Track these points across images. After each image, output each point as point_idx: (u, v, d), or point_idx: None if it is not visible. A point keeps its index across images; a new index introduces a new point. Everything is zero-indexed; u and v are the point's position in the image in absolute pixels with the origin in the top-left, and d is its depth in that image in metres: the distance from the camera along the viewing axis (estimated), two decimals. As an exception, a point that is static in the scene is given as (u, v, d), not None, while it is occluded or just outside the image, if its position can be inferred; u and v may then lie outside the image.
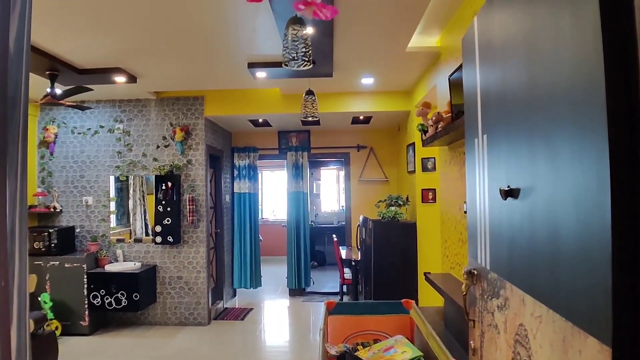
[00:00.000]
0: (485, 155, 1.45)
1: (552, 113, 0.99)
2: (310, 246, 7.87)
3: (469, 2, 3.24)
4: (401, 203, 5.71)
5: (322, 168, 10.96)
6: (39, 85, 4.75)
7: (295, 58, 2.27)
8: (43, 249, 5.50)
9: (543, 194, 1.04)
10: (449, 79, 3.45)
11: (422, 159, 5.37)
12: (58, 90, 4.52)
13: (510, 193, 1.22)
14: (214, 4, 3.16)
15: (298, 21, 2.29)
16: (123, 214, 6.10)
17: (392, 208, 5.60)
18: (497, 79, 1.38)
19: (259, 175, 9.30)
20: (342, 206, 10.01)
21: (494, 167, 1.39)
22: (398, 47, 4.13)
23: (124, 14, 3.29)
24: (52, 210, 5.94)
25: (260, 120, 6.52)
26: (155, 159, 5.96)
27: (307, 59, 2.30)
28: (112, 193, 6.04)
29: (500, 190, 1.26)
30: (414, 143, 5.53)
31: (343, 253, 6.69)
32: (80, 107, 4.85)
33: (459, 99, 3.01)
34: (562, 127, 0.94)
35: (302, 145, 7.41)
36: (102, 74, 4.64)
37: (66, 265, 5.52)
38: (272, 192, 11.50)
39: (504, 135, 1.30)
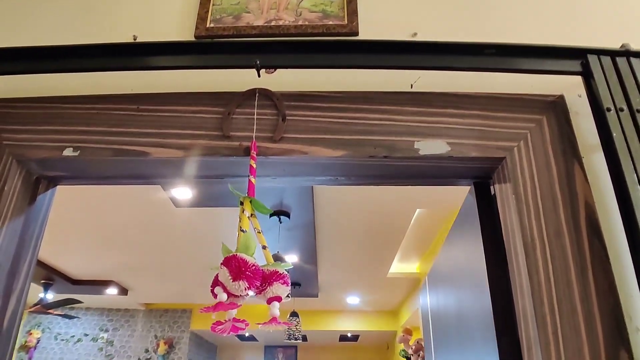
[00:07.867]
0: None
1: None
2: None
3: (442, 236, 3.57)
4: None
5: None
6: (31, 291, 4.84)
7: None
8: None
9: None
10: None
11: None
12: (50, 296, 4.62)
13: None
14: (209, 224, 3.49)
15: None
16: None
17: None
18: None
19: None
20: None
21: None
22: (379, 273, 4.36)
23: (121, 236, 3.60)
24: None
25: (247, 334, 6.44)
26: (133, 373, 5.72)
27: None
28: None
29: None
30: (402, 366, 5.35)
31: None
32: (68, 316, 4.89)
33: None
34: None
35: (289, 361, 7.15)
36: (95, 286, 4.79)
37: None
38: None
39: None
